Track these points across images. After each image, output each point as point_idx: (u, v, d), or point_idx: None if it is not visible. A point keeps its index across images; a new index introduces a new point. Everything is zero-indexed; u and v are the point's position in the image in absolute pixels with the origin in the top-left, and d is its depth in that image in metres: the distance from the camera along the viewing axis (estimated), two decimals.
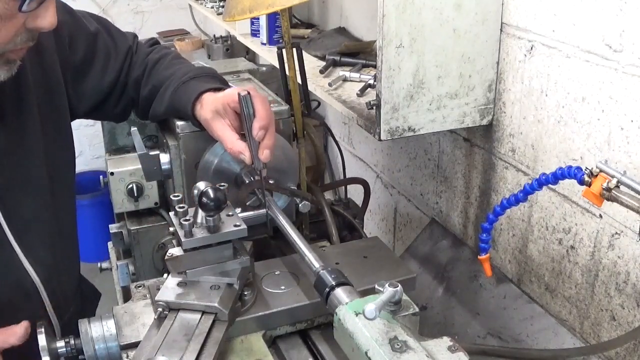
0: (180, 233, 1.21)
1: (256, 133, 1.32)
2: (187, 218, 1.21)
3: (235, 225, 1.24)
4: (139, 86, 1.57)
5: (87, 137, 4.48)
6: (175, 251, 1.24)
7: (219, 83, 1.50)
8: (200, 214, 1.23)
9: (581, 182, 1.07)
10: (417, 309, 1.05)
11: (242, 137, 1.36)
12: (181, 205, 1.26)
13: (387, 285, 1.01)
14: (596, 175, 1.05)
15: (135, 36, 1.63)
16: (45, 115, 1.39)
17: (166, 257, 1.24)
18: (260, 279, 1.34)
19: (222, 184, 1.26)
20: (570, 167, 1.09)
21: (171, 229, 1.27)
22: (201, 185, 1.22)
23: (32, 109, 1.36)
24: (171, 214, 1.28)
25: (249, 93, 1.32)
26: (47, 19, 1.16)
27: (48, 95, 1.41)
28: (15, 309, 1.36)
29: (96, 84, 1.53)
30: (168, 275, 1.26)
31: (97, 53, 1.52)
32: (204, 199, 1.19)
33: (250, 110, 1.32)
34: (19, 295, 1.37)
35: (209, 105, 1.39)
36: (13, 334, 1.23)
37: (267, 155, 1.33)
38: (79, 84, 1.50)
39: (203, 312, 1.18)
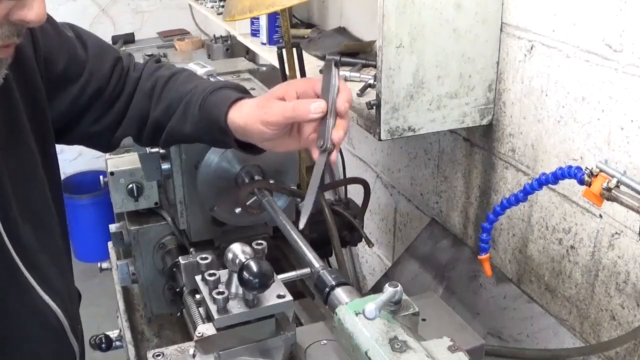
0: (212, 308, 1.01)
1: (342, 105, 1.10)
2: (221, 290, 1.01)
3: (279, 296, 1.03)
4: (144, 105, 1.35)
5: None
6: (205, 329, 1.03)
7: (248, 95, 1.29)
8: (235, 282, 1.03)
9: (581, 182, 1.07)
10: (417, 309, 1.05)
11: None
12: (212, 272, 1.04)
13: (387, 285, 1.01)
14: (596, 175, 1.05)
15: (129, 54, 1.42)
16: (35, 132, 1.22)
17: (195, 337, 1.04)
18: (303, 351, 1.13)
19: (261, 241, 1.05)
20: (570, 167, 1.09)
21: (197, 296, 1.09)
22: (237, 251, 1.01)
23: (23, 127, 1.20)
24: (197, 278, 1.09)
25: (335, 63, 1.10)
26: (34, 10, 0.97)
27: (33, 109, 1.23)
28: (35, 341, 1.23)
29: (73, 99, 1.31)
30: (194, 355, 1.06)
31: (75, 67, 1.30)
32: (246, 275, 0.97)
33: (336, 81, 1.08)
34: (40, 327, 1.23)
35: (250, 102, 1.21)
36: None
37: (340, 137, 1.10)
38: (54, 98, 1.29)
39: None
